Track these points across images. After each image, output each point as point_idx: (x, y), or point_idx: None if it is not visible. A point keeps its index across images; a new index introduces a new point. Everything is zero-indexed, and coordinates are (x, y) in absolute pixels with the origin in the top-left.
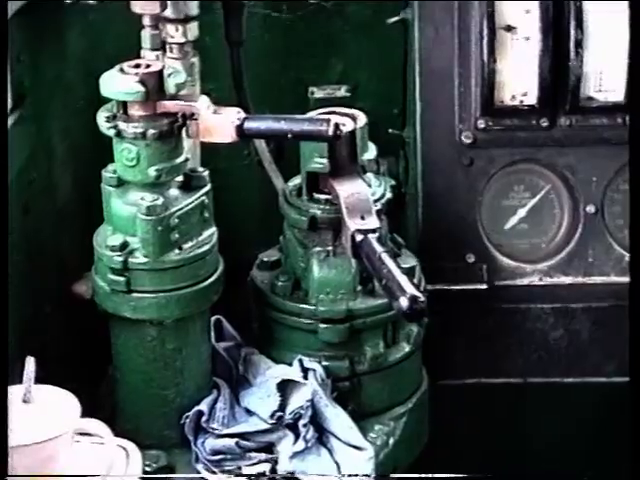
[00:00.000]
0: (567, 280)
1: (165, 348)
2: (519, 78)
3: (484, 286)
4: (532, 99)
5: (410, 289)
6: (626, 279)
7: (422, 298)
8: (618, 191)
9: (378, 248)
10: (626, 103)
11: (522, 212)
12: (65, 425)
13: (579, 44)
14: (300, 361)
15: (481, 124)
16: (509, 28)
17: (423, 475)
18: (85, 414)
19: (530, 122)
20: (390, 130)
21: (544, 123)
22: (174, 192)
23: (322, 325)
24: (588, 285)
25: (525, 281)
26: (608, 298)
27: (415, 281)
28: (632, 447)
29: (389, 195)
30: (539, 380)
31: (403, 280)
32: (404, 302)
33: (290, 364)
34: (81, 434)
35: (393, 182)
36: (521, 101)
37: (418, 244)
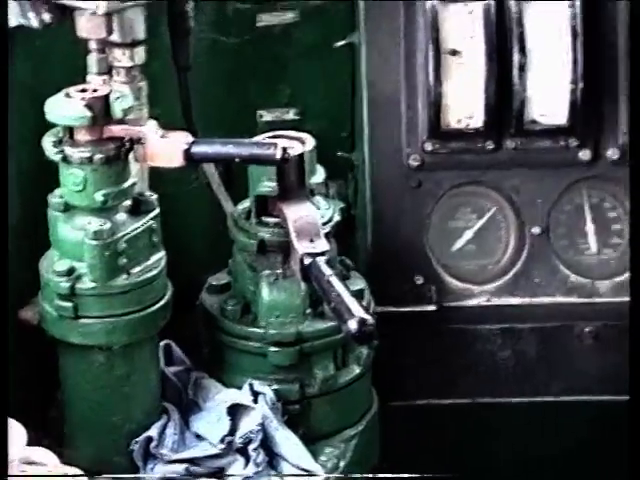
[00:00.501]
0: (514, 301)
1: (113, 374)
2: (465, 102)
3: (433, 307)
4: (478, 122)
5: (359, 312)
6: (570, 299)
7: (371, 320)
8: (562, 212)
9: (327, 271)
10: (569, 126)
11: (469, 234)
12: (10, 454)
13: (522, 68)
14: (250, 385)
15: (428, 147)
16: (454, 52)
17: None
18: (34, 440)
19: (476, 145)
20: (339, 153)
21: (490, 146)
22: (122, 217)
23: (272, 348)
24: (534, 305)
25: (473, 302)
26: (554, 318)
27: (364, 303)
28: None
29: (338, 218)
30: (488, 400)
31: (352, 303)
32: (353, 325)
33: (240, 388)
34: (27, 463)
35: (342, 205)
36: (467, 124)
37: (367, 266)
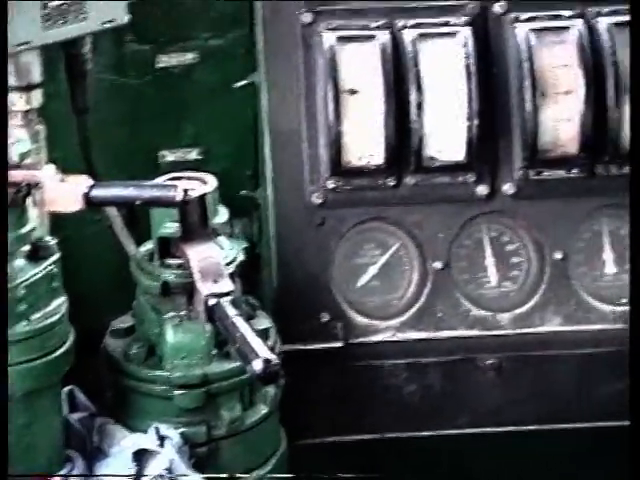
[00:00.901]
0: (418, 335)
1: (14, 423)
2: (365, 139)
3: (339, 344)
4: (378, 160)
5: (263, 352)
6: (472, 332)
7: (275, 360)
8: (463, 247)
9: (231, 312)
10: (466, 162)
11: (373, 270)
12: None
13: (420, 106)
14: (156, 429)
15: (330, 185)
16: (353, 92)
17: None
18: None
19: (377, 182)
20: (243, 192)
21: (391, 182)
22: (20, 262)
23: (177, 391)
24: (438, 339)
25: (378, 338)
26: (457, 351)
27: (270, 342)
28: None
29: (242, 257)
30: (396, 435)
31: (256, 343)
32: (258, 365)
33: (146, 432)
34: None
35: (246, 244)
36: (368, 162)
37: (273, 305)
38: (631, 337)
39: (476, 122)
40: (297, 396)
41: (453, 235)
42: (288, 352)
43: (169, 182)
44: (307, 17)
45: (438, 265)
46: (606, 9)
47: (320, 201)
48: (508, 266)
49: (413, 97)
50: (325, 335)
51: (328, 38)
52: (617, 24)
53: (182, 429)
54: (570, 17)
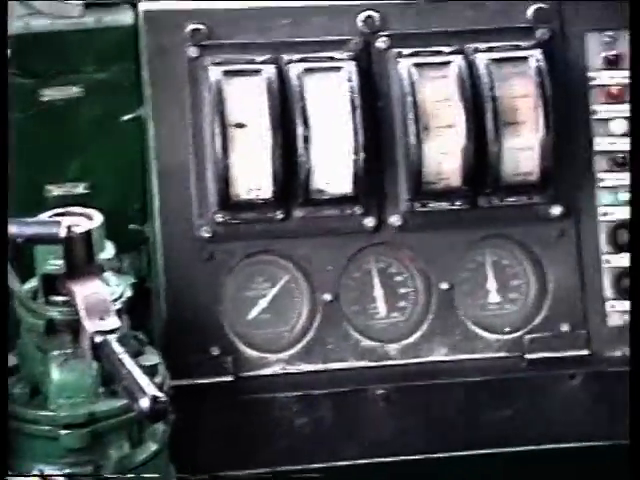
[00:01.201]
0: (308, 367)
1: None
2: (253, 173)
3: (229, 378)
4: (266, 193)
5: (150, 390)
6: (362, 363)
7: (163, 398)
8: (352, 278)
9: (118, 349)
10: (353, 194)
11: (263, 302)
12: None
13: (306, 140)
14: (40, 471)
15: (219, 218)
16: (240, 125)
17: None
18: None
19: (266, 215)
20: (131, 226)
21: (279, 215)
22: None
23: (63, 431)
24: (328, 371)
25: (269, 371)
26: (347, 383)
27: (159, 379)
28: None
29: (129, 293)
30: (287, 468)
31: (143, 381)
32: (145, 403)
33: (29, 474)
34: None
35: (133, 280)
36: (256, 195)
37: (162, 340)
38: (631, 353)
39: (362, 155)
40: (188, 432)
41: (342, 267)
42: (178, 387)
43: (53, 218)
44: (193, 51)
45: (327, 297)
46: (484, 45)
47: (208, 235)
48: (396, 297)
49: (300, 131)
50: (215, 369)
51: (214, 72)
52: (494, 60)
53: (68, 470)
54: (450, 53)
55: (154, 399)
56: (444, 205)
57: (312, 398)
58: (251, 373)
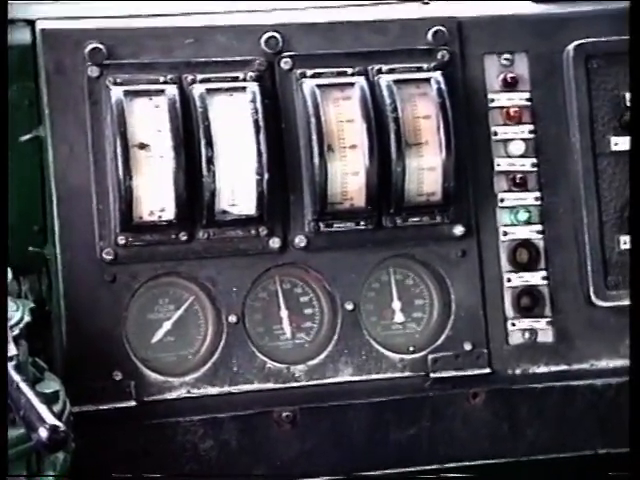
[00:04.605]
0: (214, 390)
1: None
2: (156, 194)
3: (133, 403)
4: (170, 214)
5: (50, 419)
6: (268, 385)
7: (62, 428)
8: (257, 300)
9: (15, 377)
10: (258, 215)
11: (168, 325)
12: None
13: (210, 161)
14: None
15: (121, 240)
16: (142, 146)
17: None
18: None
19: (170, 236)
20: (30, 248)
21: (183, 237)
22: None
23: None
24: (234, 394)
25: (173, 395)
26: (253, 405)
27: (59, 406)
28: None
29: (28, 318)
30: None
31: (42, 410)
32: (43, 433)
33: None
34: None
35: (32, 304)
36: (160, 216)
37: (64, 365)
38: (631, 367)
39: (267, 176)
40: (91, 458)
41: (247, 288)
42: (79, 413)
43: None
44: (93, 71)
45: (233, 319)
46: (386, 67)
47: (110, 257)
48: (302, 318)
49: (203, 151)
50: (118, 394)
51: (115, 92)
52: (397, 81)
53: None
54: (353, 74)
55: (53, 429)
56: (349, 225)
57: (217, 421)
58: (155, 397)
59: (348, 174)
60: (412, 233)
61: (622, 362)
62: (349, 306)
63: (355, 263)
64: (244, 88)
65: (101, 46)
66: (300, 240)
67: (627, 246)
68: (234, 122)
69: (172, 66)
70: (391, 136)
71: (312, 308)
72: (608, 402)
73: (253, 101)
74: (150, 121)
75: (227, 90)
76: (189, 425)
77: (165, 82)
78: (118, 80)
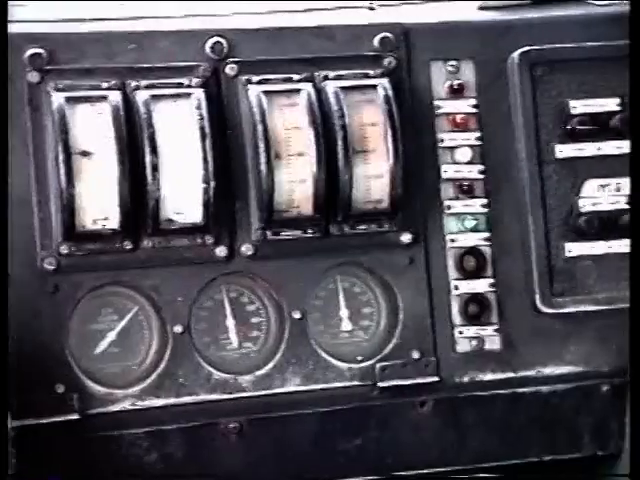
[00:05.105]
0: (159, 402)
1: None
2: (99, 203)
3: (76, 416)
4: (114, 223)
5: None
6: (214, 396)
7: None
8: (203, 309)
9: None
10: (204, 224)
11: (111, 336)
12: None
13: (155, 168)
14: None
15: (64, 250)
16: (85, 153)
17: None
18: None
19: (114, 245)
20: None
21: (127, 246)
22: None
23: None
24: (179, 405)
25: (117, 407)
26: (199, 417)
27: None
28: None
29: None
30: None
31: None
32: None
33: None
34: None
35: None
36: (103, 225)
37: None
38: (632, 366)
39: (213, 184)
40: (33, 473)
41: (193, 298)
42: (21, 427)
43: None
44: (34, 76)
45: (178, 329)
46: (333, 73)
47: (53, 267)
48: (248, 327)
49: (148, 159)
50: (61, 407)
51: (57, 98)
52: (343, 88)
53: None
54: (300, 80)
55: None
56: (296, 233)
57: (163, 434)
58: (99, 410)
59: (295, 182)
60: (360, 241)
61: (567, 369)
62: (296, 315)
63: (302, 271)
64: (189, 94)
65: (42, 51)
66: (247, 248)
67: (572, 253)
68: (179, 129)
69: (115, 72)
70: (338, 143)
71: (259, 317)
72: (553, 409)
73: (198, 108)
74: (93, 128)
75: (172, 96)
76: (134, 438)
77: (108, 88)
78: (59, 86)
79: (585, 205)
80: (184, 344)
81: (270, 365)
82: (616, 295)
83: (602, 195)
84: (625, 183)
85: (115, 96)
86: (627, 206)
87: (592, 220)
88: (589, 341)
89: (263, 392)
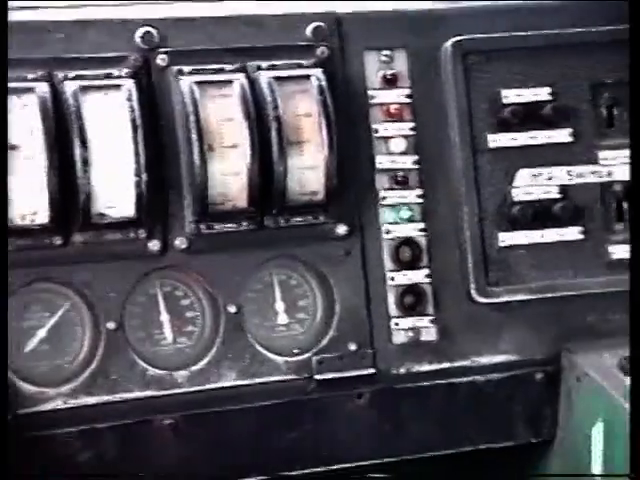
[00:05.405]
0: (92, 400)
1: None
2: (28, 197)
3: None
4: (43, 218)
5: None
6: (149, 392)
7: None
8: (137, 304)
9: None
10: (137, 218)
11: (42, 333)
12: None
13: (86, 162)
14: None
15: None
16: (13, 147)
17: None
18: None
19: (43, 241)
20: None
21: (58, 241)
22: None
23: None
24: (113, 403)
25: (49, 406)
26: (134, 414)
27: None
28: None
29: None
30: None
31: None
32: None
33: None
34: None
35: None
36: (32, 220)
37: None
38: (631, 365)
39: (145, 177)
40: None
41: (126, 293)
42: None
43: None
44: None
45: (111, 325)
46: (266, 63)
47: None
48: (183, 321)
49: (77, 152)
50: None
51: None
52: (277, 78)
53: None
54: (232, 71)
55: None
56: (230, 226)
57: (96, 432)
58: (30, 410)
59: (229, 174)
60: (295, 233)
61: (502, 358)
62: (232, 309)
63: (237, 265)
64: (119, 86)
65: None
66: (181, 242)
67: (506, 243)
68: (109, 121)
69: (42, 62)
70: (272, 135)
71: (194, 311)
72: (488, 398)
73: (129, 99)
74: (19, 121)
75: (101, 88)
76: (66, 437)
77: (35, 79)
78: None
79: (518, 194)
80: (117, 340)
81: (205, 360)
82: (549, 284)
83: (534, 184)
84: (557, 172)
85: (42, 87)
86: (559, 195)
87: (525, 209)
88: (523, 330)
89: (199, 388)
